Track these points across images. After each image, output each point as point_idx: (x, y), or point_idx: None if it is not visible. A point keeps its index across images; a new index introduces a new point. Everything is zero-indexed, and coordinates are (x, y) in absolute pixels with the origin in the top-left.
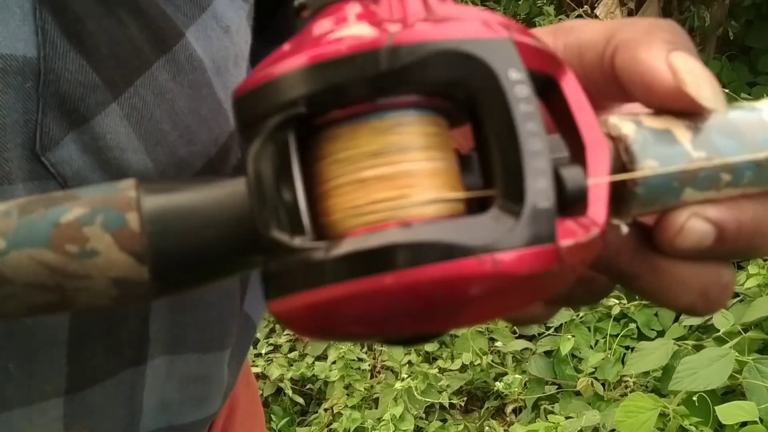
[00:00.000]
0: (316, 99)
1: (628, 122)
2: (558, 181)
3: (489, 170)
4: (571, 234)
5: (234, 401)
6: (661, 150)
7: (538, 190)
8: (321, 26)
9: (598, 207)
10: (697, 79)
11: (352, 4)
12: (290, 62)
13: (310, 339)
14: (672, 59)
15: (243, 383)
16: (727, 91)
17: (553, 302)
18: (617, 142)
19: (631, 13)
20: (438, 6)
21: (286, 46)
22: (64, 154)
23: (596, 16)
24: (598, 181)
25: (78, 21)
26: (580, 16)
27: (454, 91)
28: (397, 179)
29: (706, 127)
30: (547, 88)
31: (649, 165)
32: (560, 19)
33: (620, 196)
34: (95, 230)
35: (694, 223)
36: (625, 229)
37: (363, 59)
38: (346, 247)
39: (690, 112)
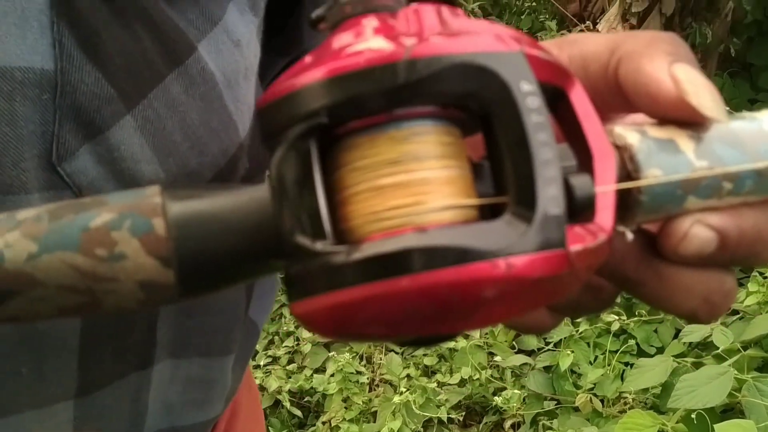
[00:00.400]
0: (336, 110)
1: (633, 132)
2: (567, 188)
3: (501, 178)
4: (580, 239)
5: (236, 404)
6: (664, 159)
7: (549, 197)
8: (340, 40)
9: (605, 214)
10: (698, 89)
11: (369, 18)
12: (312, 74)
13: (330, 339)
14: (674, 70)
15: (245, 387)
16: (727, 109)
17: (560, 310)
18: (623, 151)
19: (633, 29)
20: (452, 20)
21: (308, 59)
22: (80, 164)
23: (598, 32)
24: (606, 189)
25: (94, 34)
26: (582, 31)
27: (468, 102)
28: (414, 186)
29: (708, 137)
30: (555, 98)
31: (654, 174)
32: (562, 34)
33: (625, 203)
34: (123, 235)
35: (697, 230)
36: (630, 235)
37: (381, 72)
38: (365, 251)
39: (692, 122)
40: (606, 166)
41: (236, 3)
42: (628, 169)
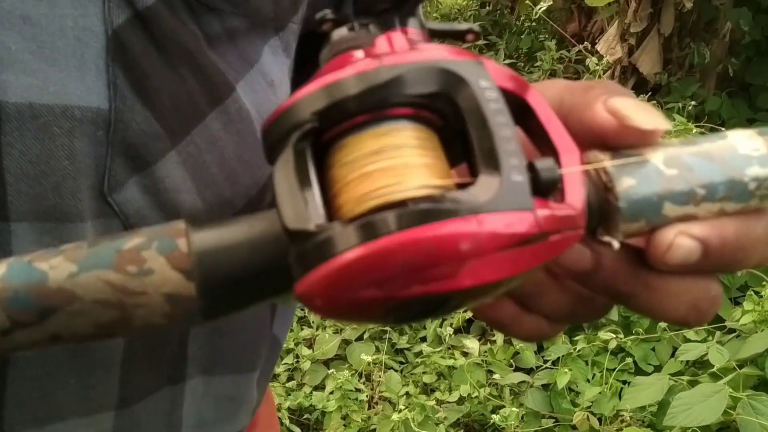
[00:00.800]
0: (325, 114)
1: (606, 153)
2: (533, 171)
3: (474, 169)
4: (548, 207)
5: (256, 414)
6: (636, 169)
7: (512, 166)
8: (328, 67)
9: (574, 195)
10: (633, 111)
11: (356, 51)
12: (305, 90)
13: (330, 317)
14: (609, 105)
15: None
16: (723, 129)
17: (557, 319)
18: (598, 168)
19: (631, 50)
20: (419, 41)
21: (303, 86)
22: (128, 195)
23: (597, 52)
24: (570, 170)
25: (145, 77)
26: (580, 51)
27: (438, 104)
28: (395, 169)
29: (677, 151)
30: (521, 112)
31: (627, 182)
32: (561, 54)
33: (606, 212)
34: (151, 253)
35: (682, 240)
36: (616, 244)
37: (358, 78)
38: (353, 222)
39: (644, 141)
40: (571, 157)
41: (271, 46)
42: (604, 181)
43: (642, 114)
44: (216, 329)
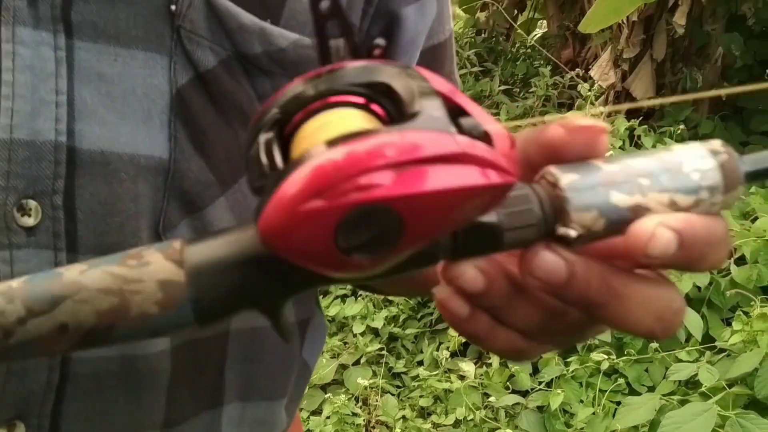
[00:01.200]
0: (286, 106)
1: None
2: (458, 126)
3: None
4: (469, 137)
5: None
6: (578, 168)
7: (433, 107)
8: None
9: (502, 143)
10: (574, 120)
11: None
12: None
13: (288, 246)
14: (559, 122)
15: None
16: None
17: (529, 334)
18: (546, 175)
19: (624, 75)
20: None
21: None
22: (178, 235)
23: (591, 77)
24: (492, 127)
25: (202, 132)
26: (572, 78)
27: (382, 100)
28: (336, 127)
29: (618, 156)
30: (455, 116)
31: (571, 177)
32: (555, 80)
33: (556, 205)
34: (150, 251)
35: (662, 231)
36: (572, 233)
37: (312, 77)
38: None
39: (588, 142)
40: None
41: None
42: (550, 181)
43: (583, 119)
44: (250, 357)
